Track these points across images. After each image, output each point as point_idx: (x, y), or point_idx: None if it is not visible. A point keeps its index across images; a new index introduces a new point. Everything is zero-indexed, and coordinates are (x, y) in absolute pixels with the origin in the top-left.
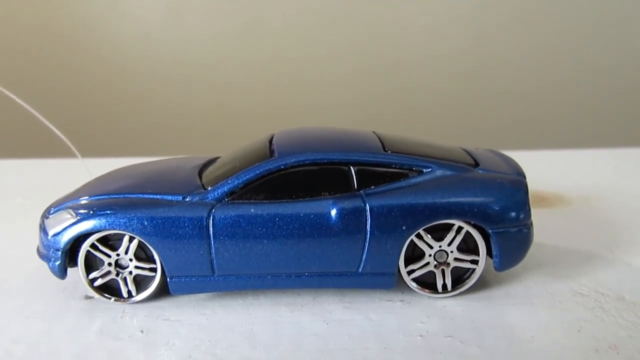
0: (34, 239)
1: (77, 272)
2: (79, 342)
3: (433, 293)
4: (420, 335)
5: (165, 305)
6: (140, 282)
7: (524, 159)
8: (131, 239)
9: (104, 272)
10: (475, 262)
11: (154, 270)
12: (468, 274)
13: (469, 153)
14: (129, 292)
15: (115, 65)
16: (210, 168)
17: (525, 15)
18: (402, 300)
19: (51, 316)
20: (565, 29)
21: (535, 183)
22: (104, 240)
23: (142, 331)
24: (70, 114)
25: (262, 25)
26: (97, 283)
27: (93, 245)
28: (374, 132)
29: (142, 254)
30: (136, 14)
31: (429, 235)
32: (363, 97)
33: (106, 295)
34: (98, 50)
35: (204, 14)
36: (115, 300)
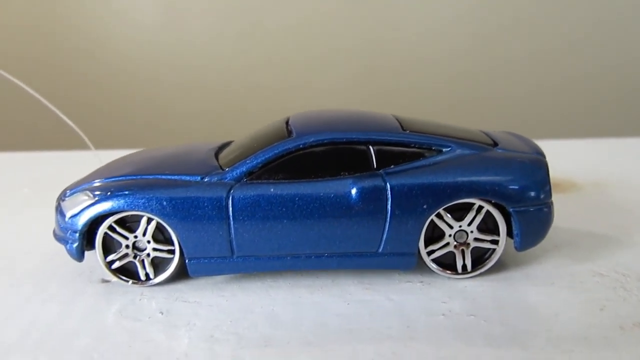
0: (48, 228)
1: (93, 257)
2: (98, 324)
3: (453, 274)
4: (443, 315)
5: (183, 287)
6: (158, 265)
7: None
8: (149, 221)
9: (121, 255)
10: (496, 242)
11: (172, 252)
12: (488, 254)
13: (487, 134)
14: (147, 274)
15: (128, 63)
16: (227, 150)
17: (530, 10)
18: (421, 282)
19: (68, 299)
20: (579, 18)
21: None
22: (121, 222)
23: (161, 312)
24: (84, 107)
25: (265, 24)
26: (115, 266)
27: (110, 228)
28: (391, 114)
29: (160, 236)
30: (151, 12)
31: (449, 215)
32: (363, 98)
33: (124, 278)
34: (112, 46)
35: (207, 12)
36: (133, 283)
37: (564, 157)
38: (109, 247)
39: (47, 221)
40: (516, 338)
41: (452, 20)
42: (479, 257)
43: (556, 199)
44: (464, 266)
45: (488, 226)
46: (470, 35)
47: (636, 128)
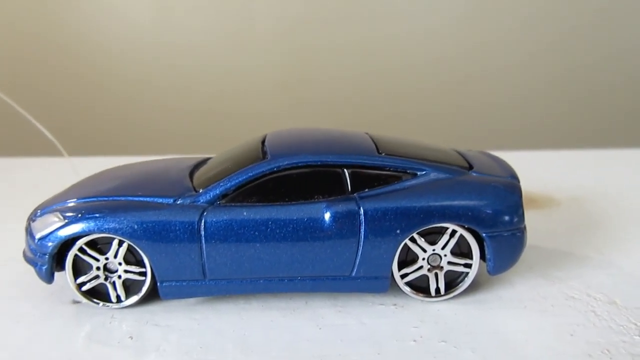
0: (19, 241)
1: (64, 276)
2: (67, 348)
3: (426, 297)
4: (414, 340)
5: (155, 309)
6: (130, 287)
7: (512, 158)
8: (120, 243)
9: (92, 277)
10: (469, 265)
11: (144, 274)
12: (461, 277)
13: (462, 155)
14: (118, 296)
15: (102, 63)
16: (202, 169)
17: (514, 18)
18: (395, 304)
19: (37, 321)
20: (555, 30)
21: (524, 183)
22: (92, 244)
23: (131, 337)
24: (56, 111)
25: (254, 26)
26: (85, 287)
27: (81, 249)
28: (367, 134)
29: (132, 258)
30: (124, 12)
31: (422, 239)
32: (354, 100)
33: (94, 300)
34: (85, 47)
35: (193, 12)
36: (103, 305)
37: (544, 170)
38: (79, 268)
39: (19, 234)
40: None
41: (440, 25)
42: (452, 280)
43: (533, 215)
44: (437, 289)
45: (461, 249)
46: (456, 38)
47: (619, 139)
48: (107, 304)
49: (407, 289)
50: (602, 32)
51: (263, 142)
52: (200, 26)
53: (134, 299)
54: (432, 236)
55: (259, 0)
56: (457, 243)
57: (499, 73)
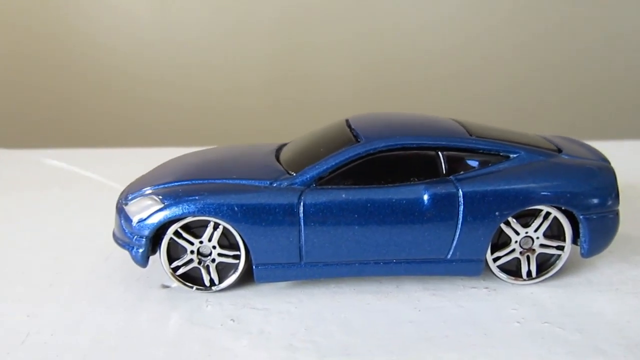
0: (85, 229)
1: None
2: (169, 331)
3: (517, 280)
4: (518, 322)
5: (247, 294)
6: (221, 271)
7: None
8: (215, 226)
9: (186, 260)
10: (561, 247)
11: (237, 257)
12: (552, 260)
13: (547, 139)
14: (212, 280)
15: (122, 58)
16: (287, 153)
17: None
18: (486, 288)
19: (132, 305)
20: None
21: None
22: (186, 227)
23: (232, 320)
24: (82, 105)
25: (257, 19)
26: (180, 272)
27: (176, 233)
28: (451, 119)
29: (224, 241)
30: (136, 11)
31: (515, 221)
32: (353, 94)
33: (188, 284)
34: (101, 47)
35: (200, 9)
36: (197, 288)
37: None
38: (171, 252)
39: (87, 218)
40: (596, 347)
41: (458, 13)
42: (543, 263)
43: None
44: (529, 272)
45: (552, 232)
46: (458, 36)
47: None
48: (200, 287)
49: (502, 275)
50: None
51: (349, 126)
52: (210, 21)
53: (229, 281)
54: (524, 219)
55: None
56: (549, 225)
57: (528, 59)
